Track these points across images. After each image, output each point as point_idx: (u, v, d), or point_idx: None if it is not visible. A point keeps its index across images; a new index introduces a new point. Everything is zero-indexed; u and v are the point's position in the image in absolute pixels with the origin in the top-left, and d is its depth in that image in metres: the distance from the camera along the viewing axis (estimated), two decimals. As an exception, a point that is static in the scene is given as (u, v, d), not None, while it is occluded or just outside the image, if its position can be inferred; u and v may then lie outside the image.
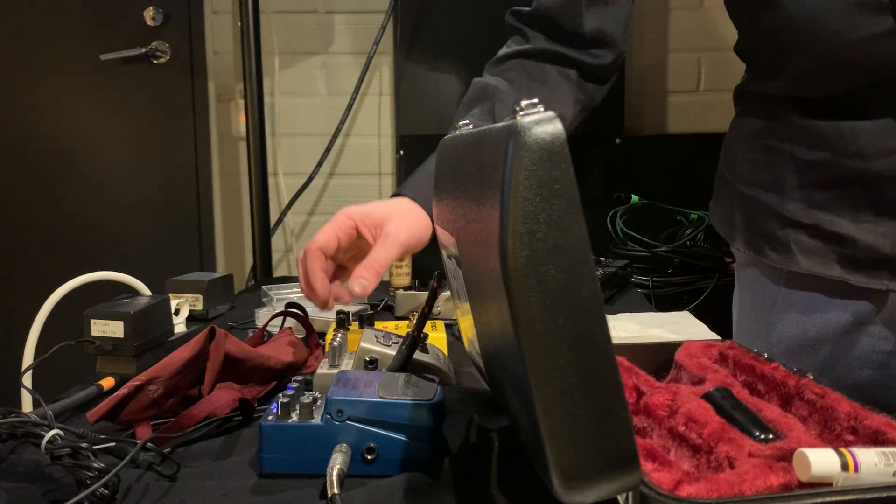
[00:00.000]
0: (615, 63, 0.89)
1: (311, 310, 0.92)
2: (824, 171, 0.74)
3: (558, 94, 0.86)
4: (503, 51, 0.91)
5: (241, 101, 1.94)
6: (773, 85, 0.78)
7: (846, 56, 0.69)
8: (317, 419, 0.56)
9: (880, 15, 0.67)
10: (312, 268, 0.72)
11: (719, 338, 0.70)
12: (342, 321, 0.80)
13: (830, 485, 0.40)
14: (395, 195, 0.82)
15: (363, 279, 0.71)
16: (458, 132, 0.60)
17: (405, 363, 0.69)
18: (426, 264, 0.85)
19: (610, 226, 1.70)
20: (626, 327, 0.77)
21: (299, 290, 0.79)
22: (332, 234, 0.74)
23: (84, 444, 0.53)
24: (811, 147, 0.75)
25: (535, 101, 0.38)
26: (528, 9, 0.90)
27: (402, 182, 0.85)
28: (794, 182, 0.77)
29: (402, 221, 0.77)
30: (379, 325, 0.91)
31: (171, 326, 0.90)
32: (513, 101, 0.83)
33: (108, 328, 0.80)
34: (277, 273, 2.06)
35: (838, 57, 0.70)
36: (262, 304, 1.15)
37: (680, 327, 0.77)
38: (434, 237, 0.79)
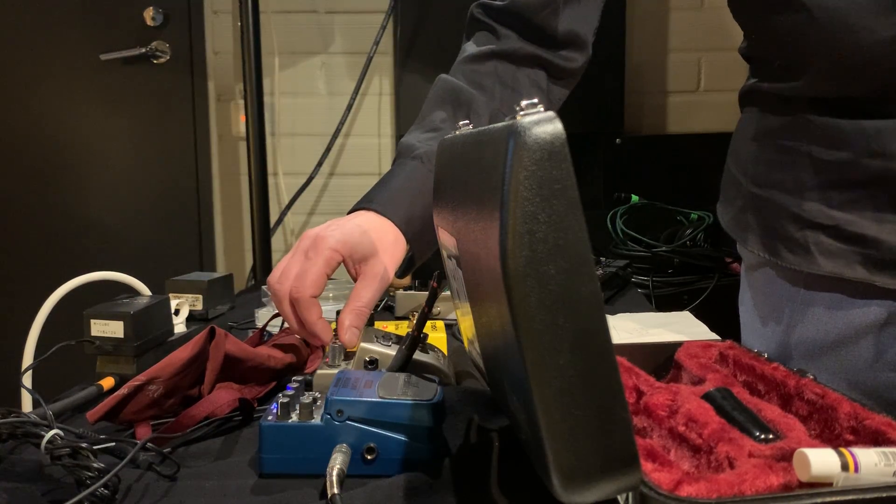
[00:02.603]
0: (582, 67, 0.89)
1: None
2: (845, 171, 0.72)
3: None
4: (472, 49, 0.88)
5: (241, 101, 1.94)
6: (789, 86, 0.76)
7: (869, 56, 0.68)
8: (317, 419, 0.56)
9: None
10: (311, 318, 0.70)
11: (719, 338, 0.70)
12: (342, 321, 0.80)
13: (830, 485, 0.40)
14: (368, 209, 0.78)
15: (355, 328, 0.70)
16: (457, 132, 0.59)
17: (405, 363, 0.69)
18: (426, 264, 0.85)
19: (610, 226, 1.70)
20: (626, 327, 0.77)
21: None
22: (322, 277, 0.70)
23: (84, 444, 0.53)
24: (831, 147, 0.73)
25: (535, 101, 0.38)
26: (499, 3, 0.88)
27: (372, 194, 0.80)
28: (813, 183, 0.75)
29: (391, 258, 0.75)
30: (379, 325, 0.90)
31: (171, 326, 0.90)
32: (488, 116, 0.83)
33: (108, 328, 0.80)
34: (277, 273, 2.05)
35: (861, 57, 0.68)
36: (262, 304, 1.15)
37: (680, 327, 0.77)
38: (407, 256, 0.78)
